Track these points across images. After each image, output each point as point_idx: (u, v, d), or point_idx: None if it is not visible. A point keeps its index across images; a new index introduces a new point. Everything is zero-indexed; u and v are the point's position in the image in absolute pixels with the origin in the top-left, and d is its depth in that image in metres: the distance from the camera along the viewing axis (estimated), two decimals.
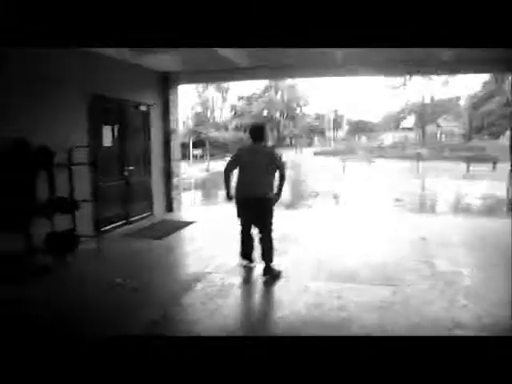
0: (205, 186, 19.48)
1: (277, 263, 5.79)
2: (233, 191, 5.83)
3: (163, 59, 8.82)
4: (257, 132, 5.87)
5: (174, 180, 10.59)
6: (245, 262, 6.09)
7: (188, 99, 32.73)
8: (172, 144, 10.45)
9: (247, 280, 5.69)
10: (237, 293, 5.20)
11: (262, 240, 5.72)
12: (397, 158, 36.67)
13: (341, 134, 75.99)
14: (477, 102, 34.79)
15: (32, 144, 6.08)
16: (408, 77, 40.29)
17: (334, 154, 43.12)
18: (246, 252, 6.01)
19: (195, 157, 35.29)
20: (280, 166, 5.71)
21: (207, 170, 26.93)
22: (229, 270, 5.97)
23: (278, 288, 5.25)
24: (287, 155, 36.35)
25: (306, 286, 5.22)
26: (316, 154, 45.28)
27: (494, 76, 31.79)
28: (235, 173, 5.81)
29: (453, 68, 9.43)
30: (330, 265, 6.08)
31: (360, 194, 16.70)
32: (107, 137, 8.43)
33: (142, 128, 9.58)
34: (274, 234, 5.76)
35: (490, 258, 6.35)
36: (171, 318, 4.50)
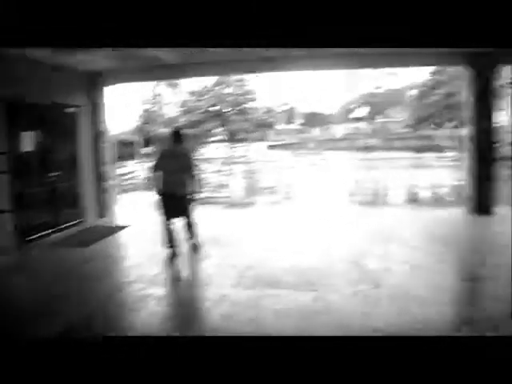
0: (149, 187, 19.00)
1: (201, 268, 5.91)
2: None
3: (90, 59, 8.47)
4: (176, 136, 6.63)
5: (107, 184, 10.19)
6: (170, 253, 6.54)
7: (136, 97, 31.92)
8: (103, 146, 10.03)
9: (166, 289, 5.44)
10: (152, 305, 4.89)
11: (188, 225, 6.68)
12: (348, 150, 37.08)
13: (294, 126, 76.69)
14: (423, 93, 35.50)
15: None
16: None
17: (286, 147, 43.29)
18: (170, 244, 6.58)
19: (147, 155, 34.64)
20: (192, 167, 6.51)
21: None
22: (150, 279, 5.69)
23: (195, 297, 5.02)
24: (239, 150, 36.34)
25: (224, 295, 4.98)
26: (269, 147, 45.27)
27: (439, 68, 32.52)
28: None
29: (406, 61, 9.50)
30: (256, 269, 5.86)
31: (308, 189, 16.62)
32: (29, 142, 7.97)
33: (68, 131, 9.13)
34: (205, 236, 6.54)
35: (430, 253, 6.31)
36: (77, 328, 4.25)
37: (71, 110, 9.14)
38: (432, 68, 34.20)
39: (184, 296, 5.20)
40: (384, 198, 14.31)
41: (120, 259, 7.04)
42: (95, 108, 9.89)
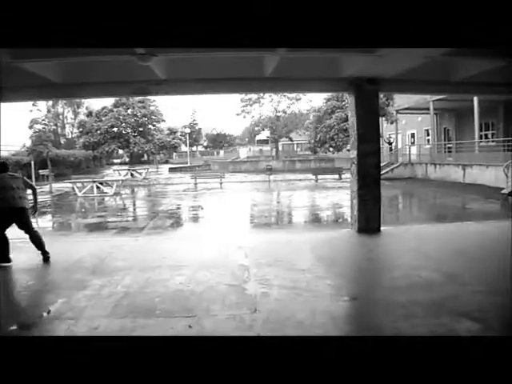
0: (40, 212, 18.09)
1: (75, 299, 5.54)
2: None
3: None
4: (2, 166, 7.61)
5: None
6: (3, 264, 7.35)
7: (28, 116, 30.49)
8: None
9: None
10: None
11: (32, 238, 7.85)
12: (251, 172, 37.61)
13: (200, 148, 76.80)
14: (321, 117, 36.83)
15: None
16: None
17: (190, 169, 43.16)
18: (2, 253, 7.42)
19: (43, 177, 33.12)
20: (27, 184, 7.88)
21: (50, 192, 25.27)
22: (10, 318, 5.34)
23: (64, 332, 4.68)
24: (140, 172, 35.71)
25: (95, 327, 4.73)
26: (171, 170, 44.90)
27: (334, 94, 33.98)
28: None
29: (296, 86, 10.16)
30: (134, 298, 5.62)
31: (204, 214, 16.56)
32: None
33: None
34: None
35: (314, 276, 6.30)
36: None
37: None
38: (327, 94, 35.75)
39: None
40: (283, 219, 14.57)
41: None
42: None
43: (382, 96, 27.76)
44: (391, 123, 33.31)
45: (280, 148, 56.93)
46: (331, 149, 37.17)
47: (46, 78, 8.24)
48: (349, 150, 30.86)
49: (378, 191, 9.31)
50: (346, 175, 24.48)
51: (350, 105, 9.66)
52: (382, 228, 9.31)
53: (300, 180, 28.89)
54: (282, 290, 5.73)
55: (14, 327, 4.83)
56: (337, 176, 28.16)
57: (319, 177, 28.23)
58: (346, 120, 32.20)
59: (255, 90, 12.00)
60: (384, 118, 30.89)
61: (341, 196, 19.17)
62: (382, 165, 9.90)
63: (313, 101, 52.18)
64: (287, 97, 47.61)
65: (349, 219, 11.01)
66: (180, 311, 5.10)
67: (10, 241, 7.75)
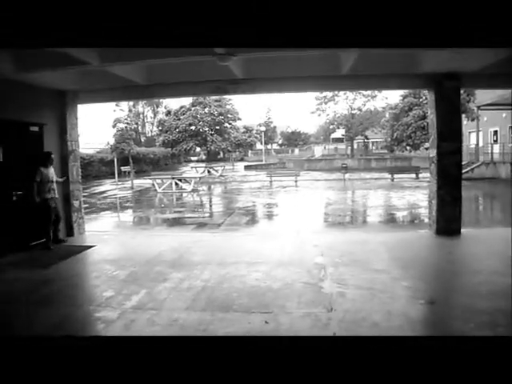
0: (123, 206, 18.89)
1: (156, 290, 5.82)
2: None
3: (55, 77, 8.48)
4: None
5: (74, 203, 10.10)
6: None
7: (112, 115, 31.95)
8: (70, 166, 9.96)
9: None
10: (97, 332, 4.81)
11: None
12: (326, 171, 37.36)
13: (275, 146, 77.07)
14: (397, 115, 35.92)
15: None
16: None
17: (265, 167, 43.41)
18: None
19: (125, 174, 34.53)
20: None
21: (132, 188, 26.28)
22: (100, 302, 5.60)
23: (146, 321, 4.92)
24: (214, 170, 36.33)
25: (175, 319, 4.93)
26: (247, 167, 45.35)
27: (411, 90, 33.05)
28: None
29: (373, 84, 9.94)
30: (212, 292, 5.81)
31: (280, 211, 16.65)
32: None
33: (33, 149, 9.02)
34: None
35: (390, 277, 6.22)
36: None
37: (36, 128, 9.06)
38: (404, 91, 34.85)
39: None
40: (358, 218, 14.40)
41: (77, 281, 6.94)
42: (64, 126, 9.83)
43: (462, 92, 26.69)
44: (472, 120, 31.92)
45: (355, 146, 56.07)
46: (408, 147, 36.17)
47: (130, 80, 8.60)
48: (427, 149, 29.75)
49: (459, 192, 8.99)
50: (424, 174, 23.79)
51: (430, 102, 9.40)
52: (462, 230, 8.98)
53: (376, 179, 28.38)
54: (358, 290, 5.70)
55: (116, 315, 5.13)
56: (414, 175, 27.38)
57: (395, 176, 27.55)
58: (424, 117, 31.32)
59: (332, 88, 11.94)
60: (464, 115, 29.63)
61: (418, 196, 18.71)
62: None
63: (389, 98, 50.93)
64: (362, 94, 46.72)
65: (426, 220, 10.73)
66: (257, 307, 5.21)
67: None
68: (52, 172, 8.95)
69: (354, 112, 49.22)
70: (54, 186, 8.94)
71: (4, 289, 6.34)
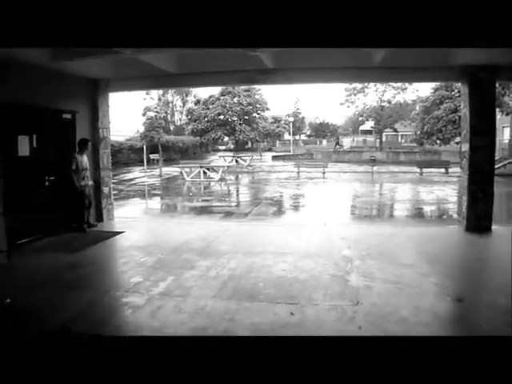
0: (151, 193, 19.09)
1: (183, 278, 5.93)
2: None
3: (89, 65, 8.59)
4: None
5: (104, 189, 10.26)
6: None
7: (142, 104, 32.26)
8: (101, 153, 10.12)
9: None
10: (124, 317, 4.91)
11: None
12: (354, 163, 37.08)
13: (303, 137, 76.77)
14: (428, 108, 35.29)
15: None
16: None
17: (293, 158, 43.29)
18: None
19: (153, 162, 34.85)
20: None
21: (160, 176, 26.51)
22: (128, 288, 5.71)
23: (173, 308, 4.98)
24: (242, 160, 36.37)
25: (202, 306, 4.99)
26: (274, 158, 45.31)
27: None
28: None
29: (404, 76, 9.61)
30: (238, 281, 5.85)
31: (307, 202, 16.62)
32: (24, 146, 8.05)
33: (65, 136, 9.20)
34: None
35: (418, 272, 6.15)
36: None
37: (68, 115, 9.21)
38: (435, 83, 34.15)
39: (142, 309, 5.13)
40: (386, 212, 14.29)
41: (105, 266, 7.08)
42: (96, 114, 9.98)
43: (497, 85, 26.06)
44: (506, 115, 31.18)
45: (384, 139, 55.40)
46: (438, 141, 35.51)
47: (162, 69, 8.65)
48: (457, 143, 29.23)
49: (491, 188, 8.80)
50: (454, 169, 23.40)
51: (463, 95, 9.21)
52: (492, 227, 8.83)
53: (404, 172, 28.06)
54: (384, 284, 5.67)
55: (127, 301, 5.22)
56: (443, 170, 26.97)
57: (424, 170, 27.17)
58: (456, 111, 30.69)
59: (363, 79, 11.83)
60: (498, 109, 28.90)
61: (447, 191, 18.44)
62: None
63: (419, 90, 50.08)
64: (392, 86, 45.96)
65: (455, 216, 10.57)
66: (283, 298, 5.22)
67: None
68: (86, 159, 9.19)
69: (383, 104, 48.52)
70: (88, 173, 9.23)
71: (34, 272, 6.48)
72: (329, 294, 5.34)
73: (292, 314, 4.73)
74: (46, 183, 8.57)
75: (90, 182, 9.35)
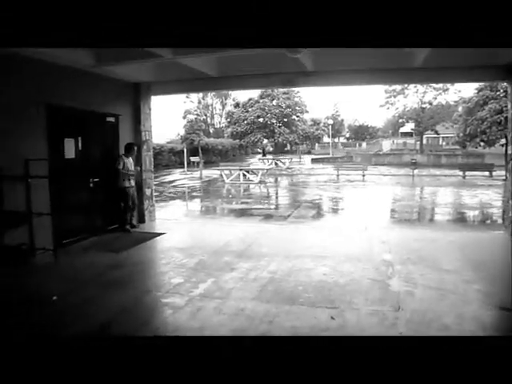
0: (192, 195, 19.28)
1: (224, 280, 6.01)
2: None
3: (131, 69, 8.81)
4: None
5: (146, 191, 10.45)
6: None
7: (182, 107, 32.74)
8: (143, 155, 10.31)
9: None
10: (164, 317, 4.97)
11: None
12: (394, 166, 36.57)
13: (342, 139, 76.26)
14: (471, 109, 34.36)
15: None
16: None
17: (332, 160, 43.00)
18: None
19: (193, 164, 35.24)
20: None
21: (200, 178, 26.77)
22: (169, 289, 5.82)
23: (213, 310, 5.03)
24: (281, 162, 36.36)
25: (242, 308, 5.02)
26: (313, 160, 45.11)
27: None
28: None
29: (447, 76, 9.70)
30: (278, 284, 5.86)
31: (347, 206, 16.49)
32: (70, 148, 8.27)
33: (109, 139, 9.43)
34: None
35: (461, 279, 6.00)
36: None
37: (112, 118, 9.43)
38: (479, 84, 33.25)
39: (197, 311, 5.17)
40: (427, 216, 14.03)
41: (147, 266, 7.22)
42: (138, 117, 10.18)
43: None
44: None
45: (424, 141, 54.36)
46: (482, 143, 34.49)
47: (202, 72, 8.75)
48: (503, 145, 28.21)
49: None
50: (498, 172, 22.80)
51: (509, 95, 8.95)
52: None
53: (446, 176, 27.46)
54: (426, 290, 5.57)
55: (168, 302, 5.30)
56: (487, 173, 26.24)
57: (467, 173, 26.51)
58: (501, 112, 29.76)
59: (404, 81, 11.71)
60: None
61: (491, 195, 17.95)
62: None
63: (462, 91, 48.64)
64: (433, 87, 45.01)
65: (500, 221, 10.30)
66: (323, 302, 5.21)
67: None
68: (131, 162, 9.43)
69: (424, 106, 47.67)
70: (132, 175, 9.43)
71: (79, 271, 6.69)
72: (369, 298, 5.29)
73: (332, 318, 4.71)
74: (91, 185, 8.79)
75: (134, 184, 9.51)
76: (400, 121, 52.61)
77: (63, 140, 8.12)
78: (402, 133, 67.58)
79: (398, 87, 45.41)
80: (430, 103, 47.79)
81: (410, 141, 62.17)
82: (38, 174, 7.05)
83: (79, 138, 8.50)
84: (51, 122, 7.61)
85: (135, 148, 9.68)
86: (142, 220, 10.33)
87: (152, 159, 10.85)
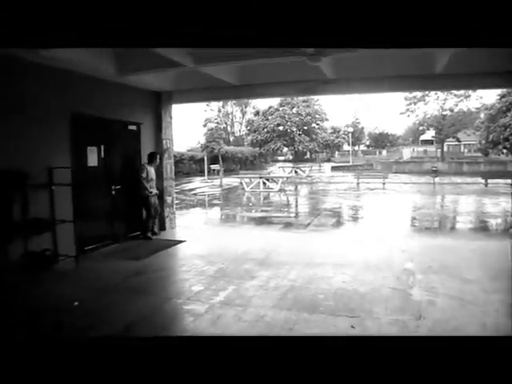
0: (212, 203, 19.35)
1: (244, 287, 6.05)
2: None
3: (153, 78, 8.94)
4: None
5: (167, 198, 10.54)
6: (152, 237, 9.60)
7: (202, 115, 33.05)
8: (165, 163, 10.41)
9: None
10: (185, 324, 5.01)
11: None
12: (415, 173, 36.26)
13: (362, 147, 75.89)
14: (494, 116, 33.94)
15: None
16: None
17: (352, 169, 42.84)
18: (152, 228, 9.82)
19: (213, 172, 35.39)
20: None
21: (220, 186, 26.86)
22: (189, 296, 5.86)
23: (233, 317, 5.05)
24: (301, 170, 36.30)
25: (262, 316, 5.03)
26: (333, 168, 44.96)
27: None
28: None
29: (470, 83, 9.50)
30: (299, 292, 5.87)
31: (367, 214, 16.39)
32: (92, 156, 8.40)
33: (131, 147, 9.55)
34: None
35: (483, 289, 5.91)
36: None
37: (134, 127, 9.56)
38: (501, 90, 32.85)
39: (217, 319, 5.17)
40: (448, 224, 13.88)
41: (168, 274, 7.28)
42: (160, 126, 10.30)
43: None
44: None
45: (445, 149, 53.76)
46: (505, 150, 34.16)
47: (223, 80, 8.83)
48: None
49: None
50: None
51: None
52: None
53: (467, 184, 27.11)
54: (448, 299, 5.51)
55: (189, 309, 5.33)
56: (510, 181, 25.82)
57: (489, 181, 26.14)
58: None
59: (425, 87, 11.57)
60: None
61: None
62: None
63: (484, 97, 48.07)
64: (454, 94, 44.41)
65: None
66: (343, 310, 5.20)
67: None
68: (153, 171, 9.59)
69: (445, 113, 47.15)
70: (154, 183, 9.59)
71: (100, 277, 6.79)
72: (390, 307, 5.26)
73: (353, 327, 4.69)
74: (113, 192, 8.89)
75: (156, 192, 9.61)
76: (420, 128, 52.10)
77: (86, 148, 8.25)
78: (422, 140, 66.96)
79: (418, 94, 44.98)
80: (451, 110, 47.21)
81: (431, 148, 61.62)
82: (61, 182, 7.18)
83: (102, 146, 8.62)
84: (75, 130, 7.77)
85: (158, 156, 9.84)
86: (162, 227, 10.42)
87: (173, 167, 10.95)
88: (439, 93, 43.96)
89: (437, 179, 27.73)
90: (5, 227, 6.26)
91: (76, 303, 5.48)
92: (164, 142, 10.40)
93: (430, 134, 55.49)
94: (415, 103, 46.59)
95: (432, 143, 61.23)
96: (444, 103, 46.45)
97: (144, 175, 9.31)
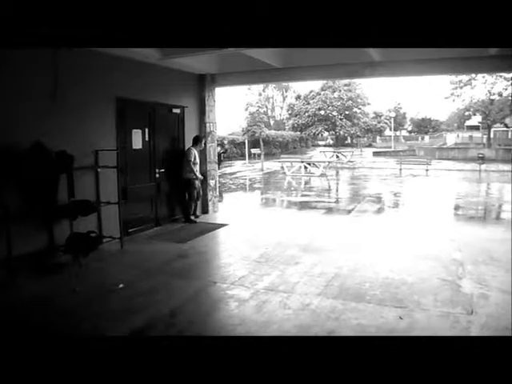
0: (253, 187, 19.33)
1: (288, 273, 6.05)
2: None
3: (196, 61, 8.90)
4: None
5: (210, 182, 10.54)
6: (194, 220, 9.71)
7: (243, 99, 33.02)
8: (208, 146, 10.40)
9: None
10: (229, 309, 4.98)
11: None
12: (459, 160, 35.34)
13: (404, 132, 74.45)
14: None
15: (49, 148, 6.13)
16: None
17: (394, 154, 42.04)
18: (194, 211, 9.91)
19: (254, 156, 35.39)
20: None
21: (261, 170, 26.82)
22: (234, 281, 5.85)
23: (278, 304, 4.99)
24: (342, 155, 35.87)
25: (307, 304, 4.97)
26: (375, 154, 44.23)
27: None
28: None
29: None
30: (344, 279, 5.77)
31: (411, 201, 16.05)
32: (137, 139, 8.45)
33: (175, 130, 9.59)
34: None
35: None
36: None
37: (178, 110, 9.56)
38: None
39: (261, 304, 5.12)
40: (496, 214, 13.45)
41: (211, 257, 7.30)
42: (203, 109, 10.28)
43: None
44: None
45: (492, 135, 52.02)
46: None
47: (266, 63, 8.72)
48: None
49: None
50: None
51: None
52: None
53: None
54: (501, 293, 5.26)
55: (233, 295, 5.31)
56: None
57: None
58: None
59: (474, 70, 11.12)
60: None
61: None
62: None
63: None
64: (504, 77, 42.67)
65: None
66: (390, 300, 5.07)
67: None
68: (198, 154, 9.61)
69: (493, 97, 45.47)
70: (198, 167, 9.59)
71: (145, 260, 6.87)
72: (439, 299, 5.10)
73: (401, 318, 4.57)
74: (157, 175, 8.93)
75: (200, 176, 9.62)
76: (466, 113, 50.53)
77: (131, 131, 8.29)
78: (467, 126, 65.16)
79: (464, 78, 43.51)
80: (500, 94, 45.41)
81: (477, 134, 59.88)
82: (106, 165, 7.25)
83: (146, 129, 8.66)
84: (120, 114, 7.83)
85: (203, 140, 9.88)
86: (205, 211, 10.46)
87: (216, 151, 10.93)
88: (487, 76, 42.43)
89: (483, 166, 26.92)
90: (51, 208, 6.36)
91: (121, 285, 5.53)
92: (207, 125, 10.38)
93: (476, 120, 53.90)
94: (461, 87, 45.07)
95: (478, 129, 59.52)
96: (492, 87, 44.76)
97: (191, 159, 9.31)
